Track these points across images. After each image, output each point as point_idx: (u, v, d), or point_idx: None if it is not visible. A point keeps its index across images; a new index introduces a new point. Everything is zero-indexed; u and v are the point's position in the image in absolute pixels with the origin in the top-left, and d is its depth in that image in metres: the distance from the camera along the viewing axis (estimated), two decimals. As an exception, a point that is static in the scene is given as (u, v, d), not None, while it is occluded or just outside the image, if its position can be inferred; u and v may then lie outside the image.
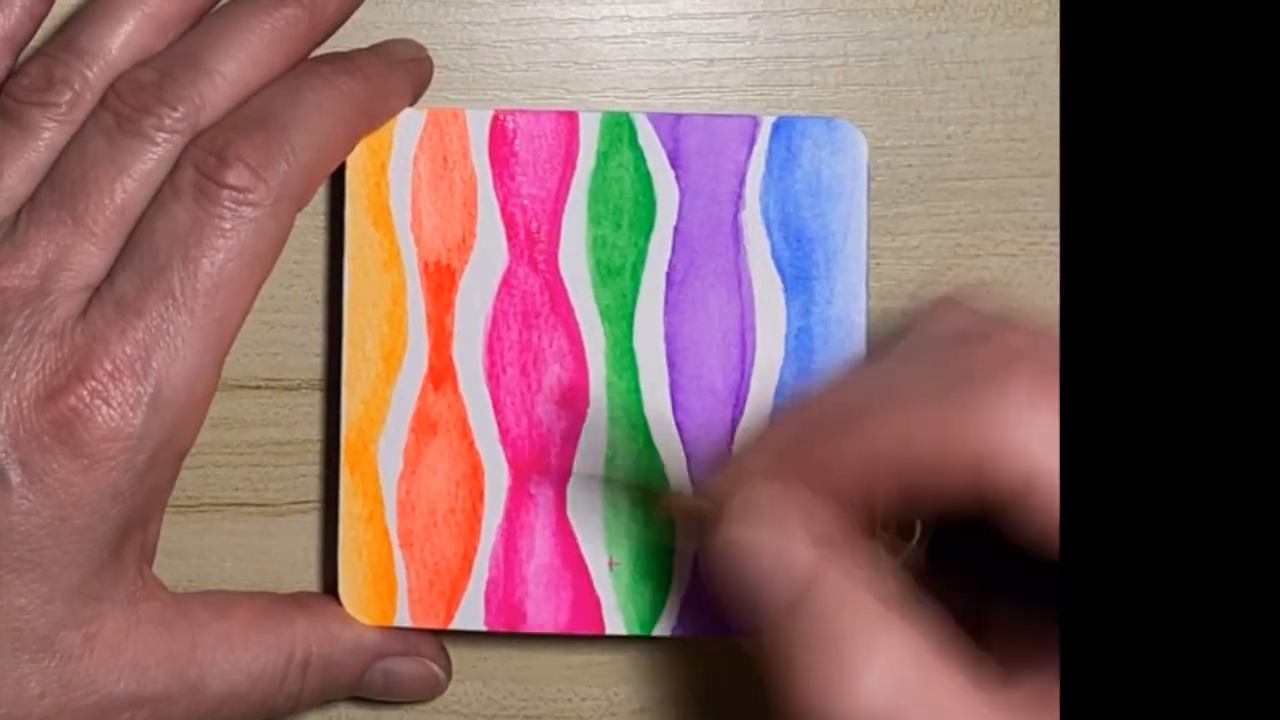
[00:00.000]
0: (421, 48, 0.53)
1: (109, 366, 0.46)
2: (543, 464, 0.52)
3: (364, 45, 0.52)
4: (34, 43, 0.52)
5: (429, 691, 0.54)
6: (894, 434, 0.41)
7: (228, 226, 0.47)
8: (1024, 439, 0.39)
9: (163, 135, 0.48)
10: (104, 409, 0.46)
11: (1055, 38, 0.54)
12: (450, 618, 0.51)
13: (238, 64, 0.49)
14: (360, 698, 0.54)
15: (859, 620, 0.40)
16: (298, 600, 0.52)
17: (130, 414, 0.47)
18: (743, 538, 0.42)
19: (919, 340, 0.44)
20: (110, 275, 0.48)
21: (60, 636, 0.47)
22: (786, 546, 0.42)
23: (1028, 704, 0.40)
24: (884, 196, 0.54)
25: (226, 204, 0.47)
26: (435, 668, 0.53)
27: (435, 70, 0.53)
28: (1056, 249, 0.53)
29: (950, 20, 0.54)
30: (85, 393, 0.46)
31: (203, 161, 0.48)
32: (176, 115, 0.48)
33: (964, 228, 0.54)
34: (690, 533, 0.50)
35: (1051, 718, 0.39)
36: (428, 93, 0.53)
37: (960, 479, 0.40)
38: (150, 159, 0.48)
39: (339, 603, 0.52)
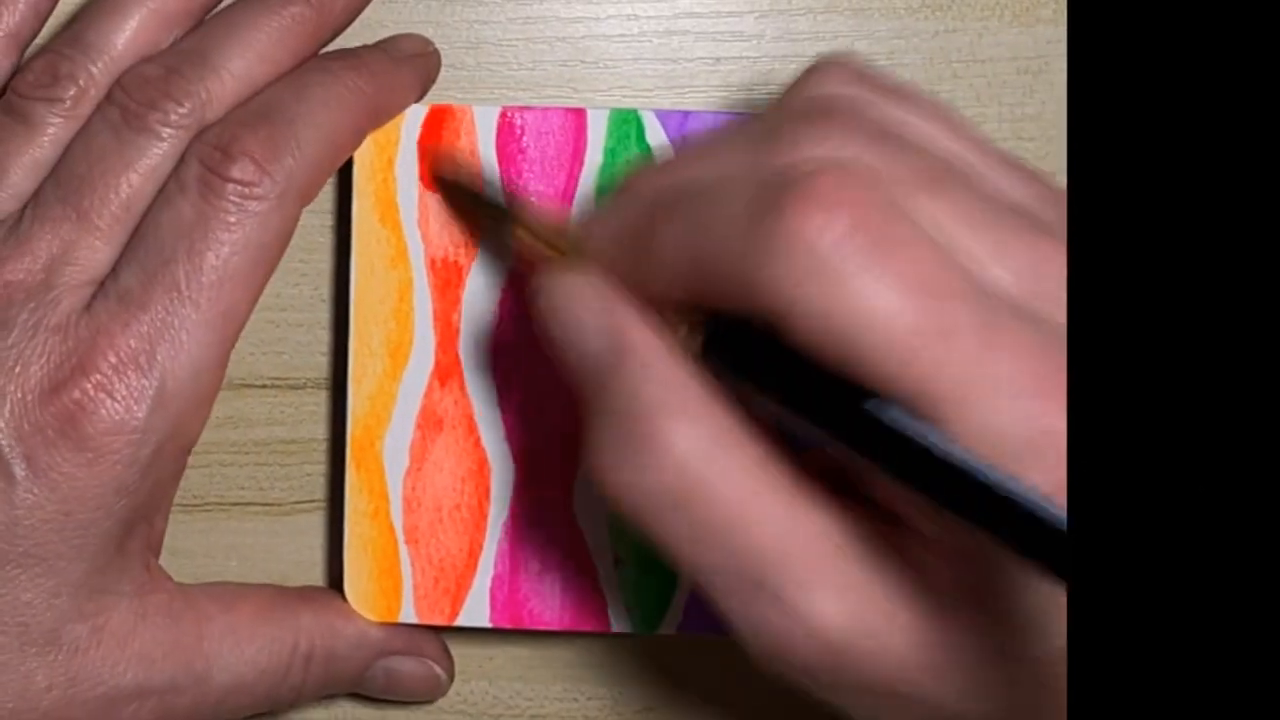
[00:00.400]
0: (428, 42, 0.53)
1: (113, 360, 0.46)
2: (549, 462, 0.51)
3: (370, 43, 0.52)
4: (40, 40, 0.52)
5: (431, 692, 0.53)
6: (689, 243, 0.41)
7: (233, 220, 0.47)
8: (781, 274, 0.39)
9: (168, 131, 0.48)
10: (108, 402, 0.46)
11: (1063, 36, 0.53)
12: (455, 614, 0.51)
13: (245, 61, 0.49)
14: (365, 697, 0.54)
15: (669, 388, 0.41)
16: (302, 594, 0.52)
17: (135, 407, 0.46)
18: (573, 285, 0.44)
19: (773, 114, 0.44)
20: (115, 270, 0.47)
21: (67, 630, 0.47)
22: (609, 306, 0.43)
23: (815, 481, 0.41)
24: (890, 194, 0.53)
25: (231, 198, 0.47)
26: (437, 669, 0.53)
27: (441, 68, 0.53)
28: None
29: (957, 19, 0.54)
30: (89, 386, 0.46)
31: (208, 156, 0.47)
32: (183, 111, 0.48)
33: (971, 226, 0.53)
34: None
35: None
36: (433, 92, 0.53)
37: (735, 302, 0.40)
38: (156, 154, 0.48)
39: (343, 598, 0.52)
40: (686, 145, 0.45)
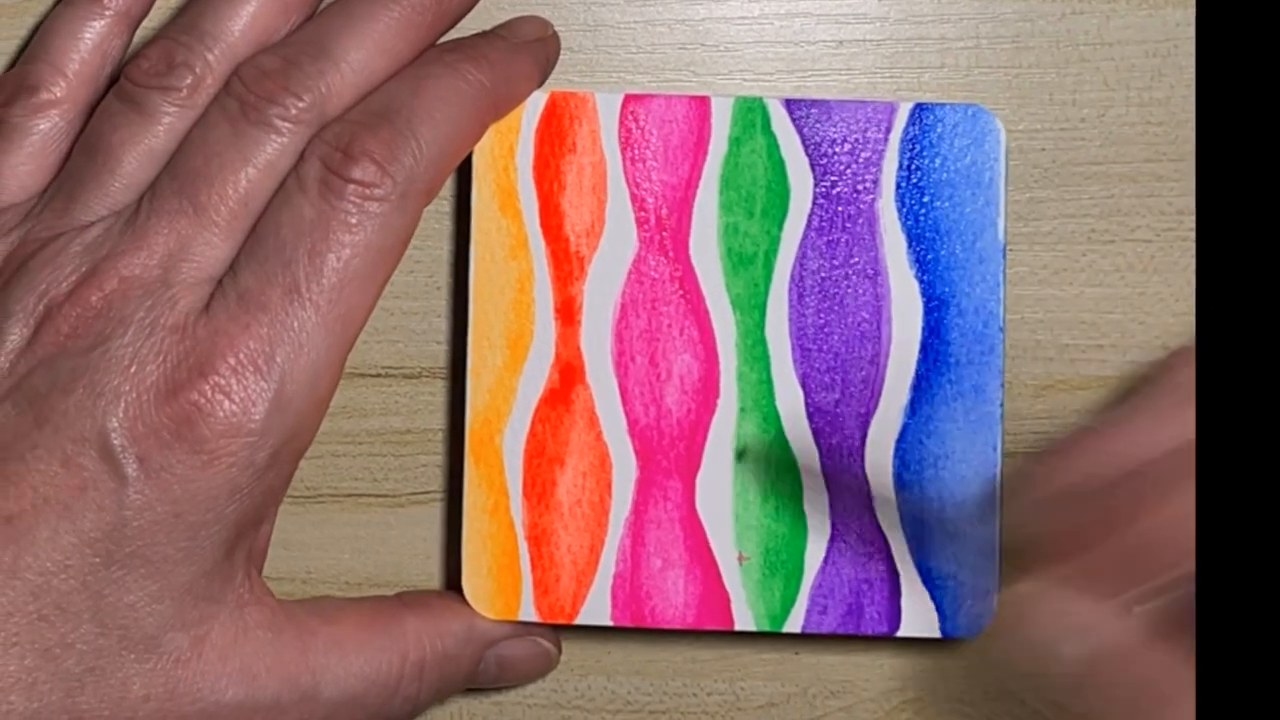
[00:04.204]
0: (547, 25, 0.50)
1: (232, 361, 0.44)
2: (671, 456, 0.49)
3: (487, 26, 0.50)
4: (155, 25, 0.50)
5: (543, 670, 0.51)
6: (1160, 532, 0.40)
7: (354, 222, 0.45)
8: None
9: (288, 125, 0.46)
10: (226, 404, 0.44)
11: (1191, 19, 0.51)
12: (576, 613, 0.49)
13: (364, 53, 0.47)
14: (478, 690, 0.52)
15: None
16: (403, 600, 0.49)
17: (252, 410, 0.44)
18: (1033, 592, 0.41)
19: (1162, 397, 0.42)
20: (233, 268, 0.45)
21: (168, 638, 0.45)
22: (1075, 606, 0.40)
23: None
24: (1017, 181, 0.51)
25: (352, 199, 0.45)
26: (546, 643, 0.51)
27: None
28: (1193, 234, 0.51)
29: (1084, 2, 0.51)
30: (207, 388, 0.44)
31: (328, 155, 0.45)
32: (302, 105, 0.46)
33: (1098, 213, 0.51)
34: None
35: None
36: (550, 76, 0.51)
37: None
38: (274, 148, 0.46)
39: (445, 595, 0.50)
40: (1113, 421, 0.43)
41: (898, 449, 0.48)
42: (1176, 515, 0.39)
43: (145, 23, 0.50)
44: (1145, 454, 0.41)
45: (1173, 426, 0.41)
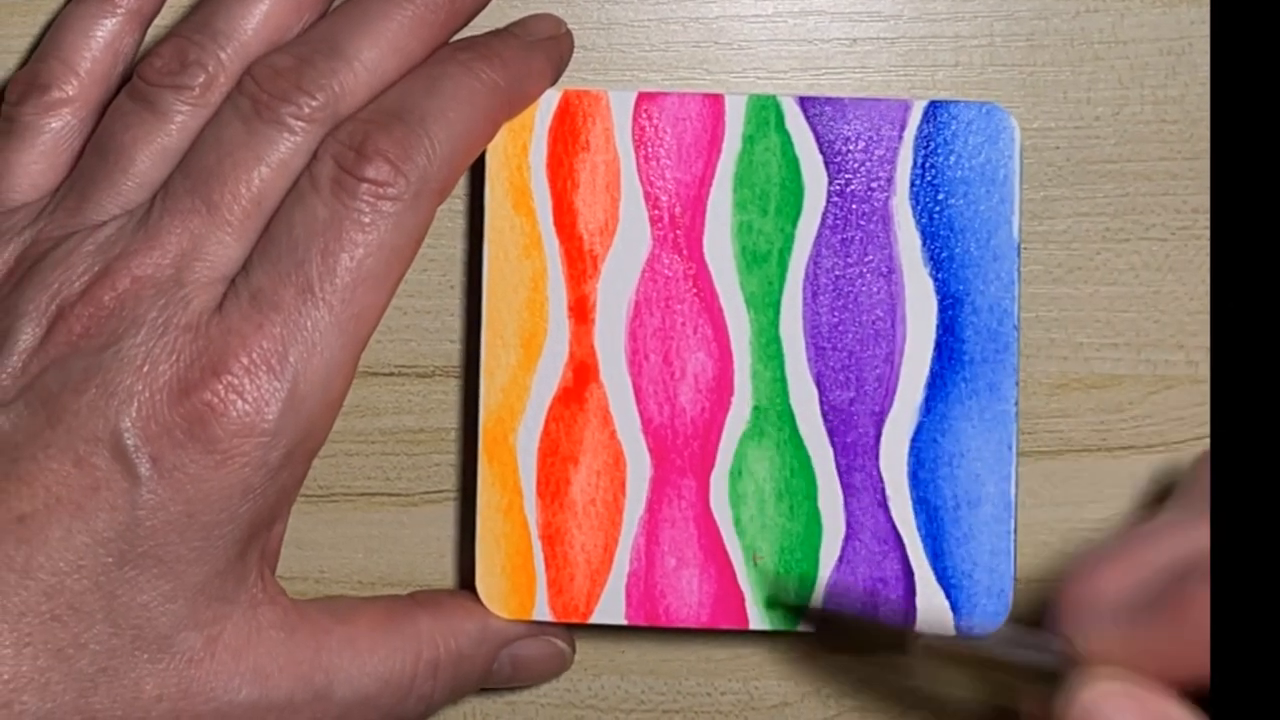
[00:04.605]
0: (561, 23, 0.50)
1: (245, 361, 0.44)
2: (686, 454, 0.49)
3: (500, 24, 0.50)
4: (167, 23, 0.50)
5: (557, 670, 0.51)
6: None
7: (367, 221, 0.45)
8: None
9: (301, 124, 0.46)
10: (239, 404, 0.44)
11: (1206, 17, 0.51)
12: (590, 612, 0.49)
13: (377, 52, 0.47)
14: (489, 690, 0.51)
15: None
16: (417, 599, 0.49)
17: (265, 409, 0.44)
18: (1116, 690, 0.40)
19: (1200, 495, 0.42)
20: (246, 267, 0.45)
21: (181, 637, 0.44)
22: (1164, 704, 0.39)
23: None
24: (1031, 179, 0.51)
25: (365, 198, 0.45)
26: (560, 643, 0.51)
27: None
28: (1208, 233, 0.51)
29: (1099, 0, 0.51)
30: (220, 387, 0.44)
31: (341, 154, 0.45)
32: (316, 104, 0.46)
33: (1113, 211, 0.51)
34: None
35: None
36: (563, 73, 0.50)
37: None
38: (287, 147, 0.46)
39: (459, 595, 0.49)
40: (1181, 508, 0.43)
41: (912, 447, 0.48)
42: None
43: (157, 21, 0.50)
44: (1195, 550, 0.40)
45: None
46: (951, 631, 0.48)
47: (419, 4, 0.47)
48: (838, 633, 0.49)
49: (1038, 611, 0.45)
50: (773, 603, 0.48)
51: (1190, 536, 0.40)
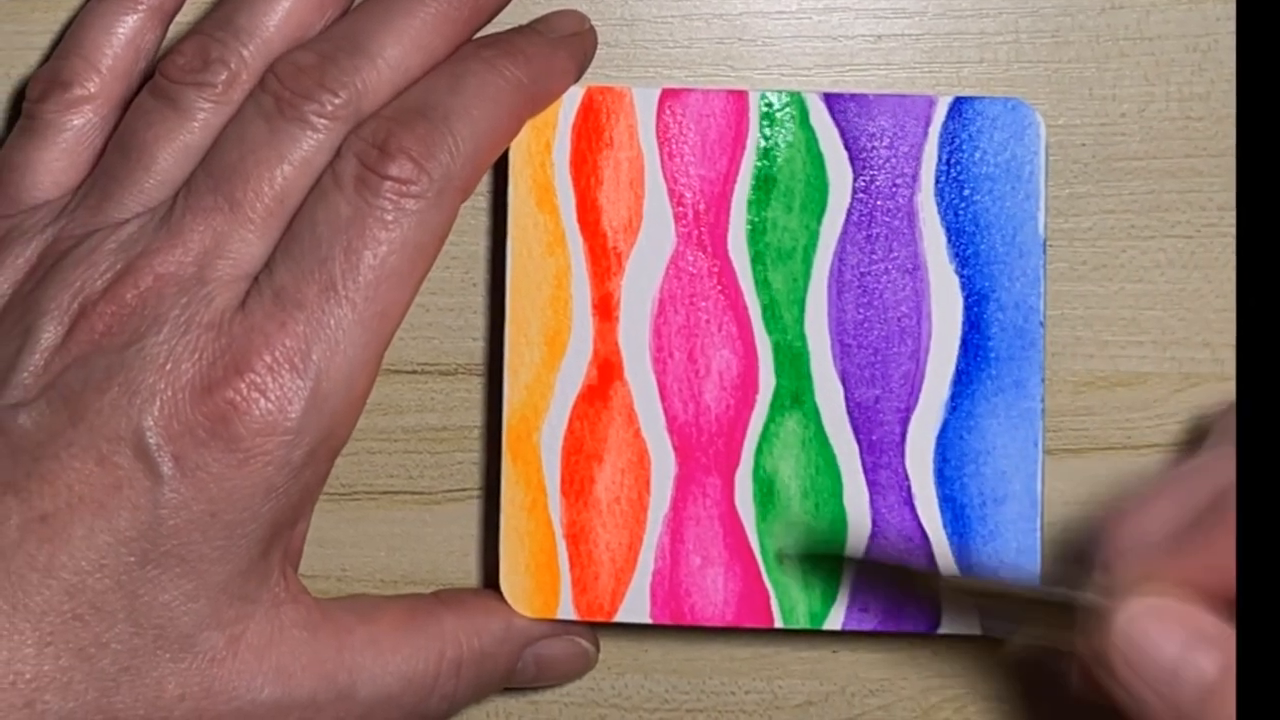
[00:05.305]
0: (584, 19, 0.50)
1: (268, 359, 0.43)
2: (710, 452, 0.48)
3: (523, 20, 0.49)
4: (190, 20, 0.49)
5: (581, 669, 0.51)
6: None
7: (390, 219, 0.44)
8: None
9: (324, 122, 0.45)
10: (262, 402, 0.43)
11: (1231, 14, 0.50)
12: (615, 611, 0.48)
13: (400, 49, 0.46)
14: (512, 689, 0.51)
15: None
16: (440, 598, 0.49)
17: (289, 408, 0.44)
18: (1143, 637, 0.40)
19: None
20: (269, 265, 0.45)
21: (203, 637, 0.44)
22: (1204, 619, 0.40)
23: None
24: (1057, 176, 0.50)
25: (388, 196, 0.44)
26: (584, 643, 0.50)
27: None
28: (1234, 230, 0.50)
29: (1125, -5, 0.51)
30: (243, 385, 0.43)
31: (365, 152, 0.45)
32: (338, 101, 0.45)
33: (1138, 208, 0.50)
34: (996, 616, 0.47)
35: None
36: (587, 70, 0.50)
37: None
38: (310, 145, 0.45)
39: (482, 593, 0.49)
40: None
41: (938, 445, 0.48)
42: None
43: (179, 18, 0.49)
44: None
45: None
46: (976, 631, 0.48)
47: (442, 1, 0.47)
48: (871, 580, 0.48)
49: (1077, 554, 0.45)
50: (805, 555, 0.48)
51: (1229, 469, 0.40)
